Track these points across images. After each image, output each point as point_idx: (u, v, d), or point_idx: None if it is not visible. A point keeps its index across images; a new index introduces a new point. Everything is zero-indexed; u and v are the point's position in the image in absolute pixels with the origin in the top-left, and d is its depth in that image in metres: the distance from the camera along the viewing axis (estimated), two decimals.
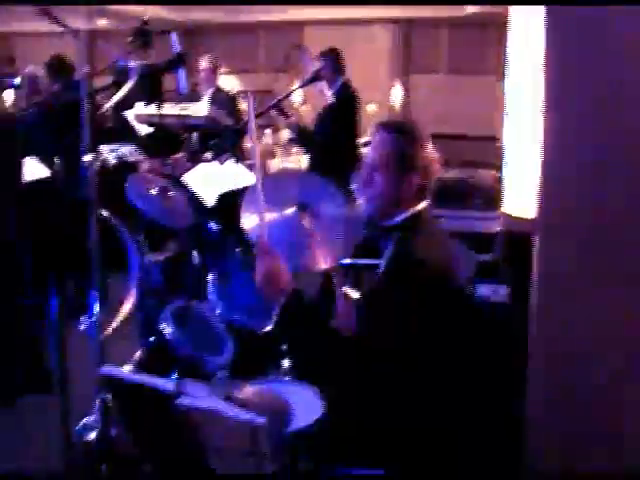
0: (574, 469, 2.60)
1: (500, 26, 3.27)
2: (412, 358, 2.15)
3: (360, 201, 3.91)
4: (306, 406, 2.33)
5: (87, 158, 2.22)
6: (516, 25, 3.23)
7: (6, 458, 3.64)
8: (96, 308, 2.23)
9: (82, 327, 2.24)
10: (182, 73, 2.74)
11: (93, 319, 2.22)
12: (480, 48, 13.79)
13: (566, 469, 2.63)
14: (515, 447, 2.82)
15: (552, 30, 2.54)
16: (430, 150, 2.25)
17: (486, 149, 9.56)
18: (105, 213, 2.46)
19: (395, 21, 14.43)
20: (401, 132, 2.23)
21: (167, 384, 1.71)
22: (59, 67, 5.97)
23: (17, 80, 6.41)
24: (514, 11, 3.23)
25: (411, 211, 2.25)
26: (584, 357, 2.57)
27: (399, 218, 2.27)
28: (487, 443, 2.93)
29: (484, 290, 4.13)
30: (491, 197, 4.21)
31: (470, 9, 12.62)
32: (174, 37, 2.79)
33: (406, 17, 14.18)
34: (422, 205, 2.27)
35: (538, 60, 2.66)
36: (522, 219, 2.81)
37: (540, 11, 2.65)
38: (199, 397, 1.70)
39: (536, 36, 2.76)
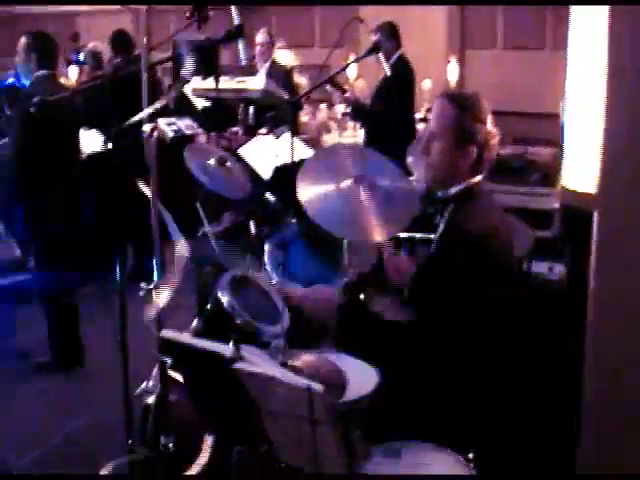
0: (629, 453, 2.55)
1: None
2: (465, 332, 2.15)
3: (416, 174, 3.91)
4: (361, 377, 2.35)
5: (146, 128, 2.25)
6: None
7: (69, 420, 3.80)
8: (156, 275, 2.28)
9: (142, 293, 2.29)
10: (242, 44, 2.77)
11: (153, 286, 2.28)
12: (537, 23, 13.49)
13: (620, 452, 2.58)
14: (570, 431, 2.79)
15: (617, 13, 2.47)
16: (490, 125, 2.24)
17: (543, 126, 9.39)
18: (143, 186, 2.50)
19: None
20: (462, 104, 2.23)
21: (225, 349, 1.74)
22: (121, 42, 6.08)
23: (81, 56, 6.54)
24: None
25: (465, 183, 2.25)
26: None
27: (454, 189, 2.27)
28: (538, 423, 2.91)
29: (540, 267, 4.09)
30: (548, 174, 4.15)
31: None
32: (234, 9, 2.80)
33: None
34: (477, 178, 2.26)
35: (601, 33, 2.59)
36: (582, 194, 2.75)
37: None
38: (257, 363, 1.73)
39: (600, 8, 2.68)
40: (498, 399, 2.30)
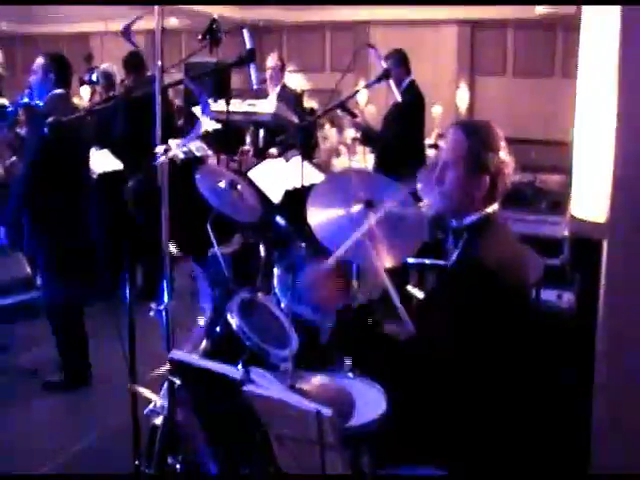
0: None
1: (568, 28, 3.23)
2: (474, 361, 2.14)
3: (425, 201, 3.93)
4: (369, 402, 2.35)
5: (159, 149, 2.28)
6: (589, 25, 3.16)
7: (77, 439, 3.80)
8: (166, 295, 2.28)
9: (151, 313, 2.30)
10: (253, 68, 2.80)
11: (162, 306, 2.28)
12: (547, 50, 13.57)
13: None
14: (580, 457, 2.77)
15: (628, 30, 2.49)
16: (504, 154, 2.24)
17: (552, 153, 9.41)
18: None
19: (461, 22, 14.31)
20: (476, 133, 2.24)
21: (235, 372, 1.75)
22: (133, 63, 6.15)
23: (94, 76, 6.62)
24: (587, 11, 3.16)
25: (481, 213, 2.25)
26: None
27: (469, 219, 2.27)
28: (549, 447, 2.90)
29: (549, 295, 4.08)
30: (557, 201, 4.16)
31: (539, 10, 12.43)
32: (246, 33, 2.84)
33: (472, 18, 14.05)
34: (492, 208, 2.27)
35: (612, 62, 2.61)
36: (591, 223, 2.75)
37: (615, 11, 2.60)
38: (265, 385, 1.74)
39: (610, 36, 2.69)
40: (508, 427, 2.29)
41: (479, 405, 2.19)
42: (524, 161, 9.20)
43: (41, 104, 4.32)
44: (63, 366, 4.48)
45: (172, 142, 5.78)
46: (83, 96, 8.10)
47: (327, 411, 1.57)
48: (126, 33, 3.97)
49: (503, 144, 2.26)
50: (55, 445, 3.78)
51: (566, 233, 3.58)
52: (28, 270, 5.76)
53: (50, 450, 3.71)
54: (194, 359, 1.91)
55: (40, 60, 4.27)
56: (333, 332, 2.64)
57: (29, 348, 4.97)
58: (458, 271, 2.26)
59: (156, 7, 2.38)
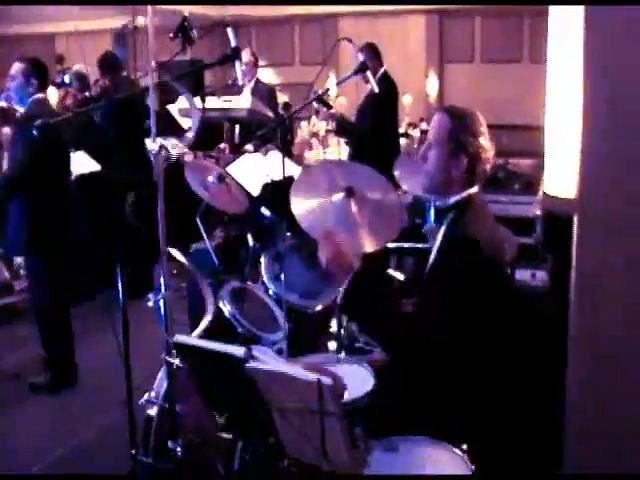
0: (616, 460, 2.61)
1: (535, 13, 3.34)
2: (467, 333, 2.27)
3: (403, 187, 4.04)
4: (358, 379, 2.47)
5: (153, 147, 2.36)
6: (556, 10, 3.27)
7: (71, 436, 3.87)
8: (162, 285, 2.37)
9: (150, 303, 2.39)
10: (239, 65, 2.88)
11: (160, 295, 2.37)
12: (514, 36, 13.76)
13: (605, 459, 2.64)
14: (556, 434, 2.89)
15: (591, 12, 2.57)
16: (484, 140, 2.37)
17: (522, 137, 9.58)
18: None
19: (429, 12, 14.46)
20: (459, 117, 2.39)
21: (238, 350, 1.86)
22: (108, 63, 6.21)
23: (66, 77, 6.64)
24: None
25: (464, 194, 2.39)
26: (624, 343, 2.56)
27: (453, 199, 2.40)
28: (527, 427, 3.02)
29: (523, 274, 4.23)
30: (530, 182, 4.31)
31: None
32: (230, 31, 2.92)
33: (439, 8, 14.21)
34: (473, 189, 2.40)
35: (578, 45, 2.70)
36: (562, 199, 2.88)
37: None
38: (267, 361, 1.85)
39: (576, 20, 2.79)
40: (488, 396, 2.42)
41: (465, 377, 2.32)
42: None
43: (21, 109, 4.35)
44: (50, 367, 4.50)
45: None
46: (51, 98, 8.09)
47: (327, 380, 1.68)
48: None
49: (484, 131, 2.40)
50: (47, 445, 3.82)
51: (538, 212, 3.72)
52: (6, 274, 5.81)
53: (43, 449, 3.76)
54: (198, 341, 2.01)
55: (20, 65, 4.28)
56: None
57: (10, 352, 4.96)
58: (447, 248, 2.39)
59: (149, 7, 2.44)
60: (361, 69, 3.76)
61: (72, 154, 5.26)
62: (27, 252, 4.51)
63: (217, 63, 2.88)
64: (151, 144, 2.37)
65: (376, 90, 4.29)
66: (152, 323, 2.57)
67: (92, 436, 3.86)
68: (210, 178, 3.23)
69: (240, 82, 2.96)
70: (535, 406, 3.19)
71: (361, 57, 4.04)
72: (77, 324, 4.64)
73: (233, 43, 2.81)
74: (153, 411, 2.82)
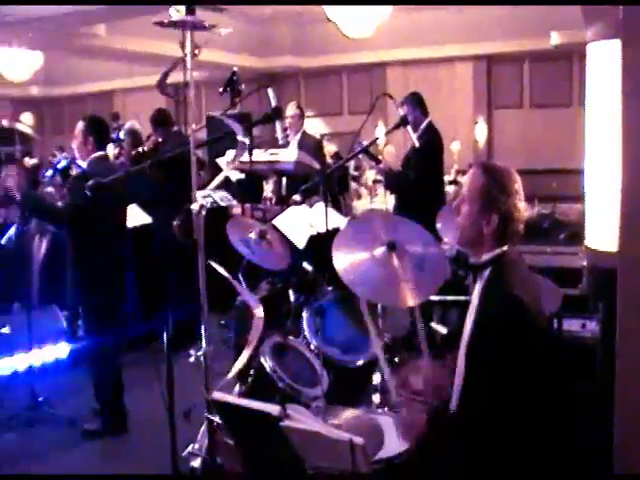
0: None
1: (584, 56, 3.33)
2: (505, 396, 2.24)
3: (445, 239, 4.05)
4: (397, 435, 2.46)
5: (194, 206, 2.43)
6: (594, 54, 3.26)
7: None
8: (204, 341, 2.42)
9: (191, 359, 2.44)
10: (279, 125, 2.96)
11: (201, 351, 2.42)
12: (564, 80, 13.71)
13: None
14: None
15: (629, 58, 2.57)
16: (517, 200, 2.37)
17: (572, 182, 9.49)
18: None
19: (477, 57, 14.53)
20: (493, 173, 2.39)
21: (273, 408, 1.88)
22: (160, 119, 6.42)
23: (121, 134, 6.87)
24: (591, 40, 3.26)
25: (496, 251, 2.38)
26: None
27: (485, 257, 2.40)
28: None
29: (573, 325, 4.16)
30: (576, 232, 4.26)
31: (554, 41, 12.59)
32: (271, 91, 3.01)
33: (488, 53, 14.26)
34: (505, 248, 2.40)
35: (616, 89, 2.69)
36: (604, 253, 2.85)
37: (617, 42, 2.69)
38: (301, 420, 1.86)
39: (614, 65, 2.78)
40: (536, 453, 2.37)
41: (512, 439, 2.26)
42: (545, 191, 9.29)
43: (83, 166, 4.53)
44: (101, 413, 4.62)
45: (198, 193, 5.99)
46: (109, 154, 8.38)
47: (359, 440, 1.69)
48: (160, 86, 4.15)
49: (519, 189, 2.39)
50: None
51: (584, 263, 3.68)
52: (64, 323, 5.99)
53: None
54: (234, 399, 2.05)
55: (79, 124, 4.50)
56: None
57: (67, 399, 5.10)
58: (488, 307, 2.36)
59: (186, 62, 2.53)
60: (400, 124, 3.81)
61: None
62: (83, 301, 4.65)
63: (259, 122, 2.97)
64: (193, 204, 2.44)
65: (416, 145, 4.33)
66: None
67: None
68: (251, 235, 3.29)
69: (280, 141, 3.02)
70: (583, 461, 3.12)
71: (402, 111, 4.10)
72: (128, 372, 4.75)
73: (273, 103, 2.90)
74: (197, 463, 2.86)
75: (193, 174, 2.49)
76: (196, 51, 2.36)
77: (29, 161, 15.57)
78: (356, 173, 11.35)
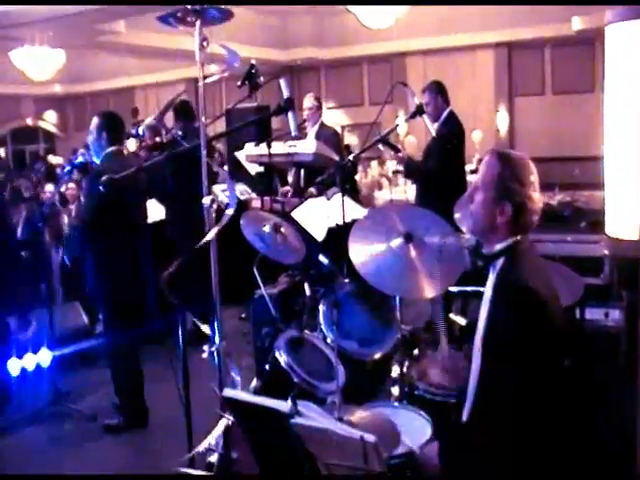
0: None
1: None
2: (521, 387, 2.19)
3: (464, 229, 3.99)
4: (414, 430, 2.42)
5: (205, 200, 2.41)
6: (613, 37, 3.18)
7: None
8: (217, 337, 2.41)
9: (204, 355, 2.42)
10: (292, 116, 2.91)
11: (214, 347, 2.40)
12: (586, 66, 13.50)
13: None
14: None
15: None
16: (532, 190, 2.31)
17: (595, 169, 9.34)
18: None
19: (498, 45, 14.37)
20: (508, 162, 2.33)
21: (284, 406, 1.85)
22: (184, 111, 6.43)
23: (140, 129, 6.89)
24: (610, 22, 3.18)
25: (509, 241, 2.33)
26: None
27: (497, 247, 2.35)
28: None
29: (595, 314, 4.09)
30: (597, 220, 4.17)
31: (576, 26, 12.41)
32: (283, 82, 2.97)
33: (509, 40, 14.10)
34: (520, 237, 2.34)
35: (637, 72, 2.63)
36: (625, 241, 2.78)
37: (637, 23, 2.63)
38: (313, 417, 1.84)
39: (635, 46, 2.71)
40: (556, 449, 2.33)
41: (532, 433, 2.21)
42: (567, 179, 9.15)
43: (98, 162, 4.54)
44: (122, 409, 4.64)
45: (216, 188, 5.99)
46: (130, 148, 8.41)
47: (370, 438, 1.66)
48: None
49: (534, 181, 2.33)
50: None
51: (606, 252, 3.61)
52: (85, 319, 6.03)
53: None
54: (245, 396, 2.02)
55: (94, 120, 4.53)
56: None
57: (89, 394, 5.16)
58: (501, 298, 2.32)
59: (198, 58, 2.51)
60: (417, 112, 3.75)
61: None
62: (102, 297, 4.66)
63: (271, 114, 2.94)
64: (205, 198, 2.43)
65: (433, 134, 4.27)
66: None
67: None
68: (265, 228, 3.26)
69: (293, 133, 2.97)
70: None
71: (417, 100, 4.03)
72: (148, 367, 4.76)
73: (286, 94, 2.85)
74: (214, 458, 2.85)
75: (203, 168, 2.47)
76: (204, 43, 2.34)
77: (53, 158, 15.76)
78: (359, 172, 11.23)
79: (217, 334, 2.40)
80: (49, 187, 8.20)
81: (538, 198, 2.33)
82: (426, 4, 12.38)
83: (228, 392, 2.08)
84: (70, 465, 4.17)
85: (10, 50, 12.28)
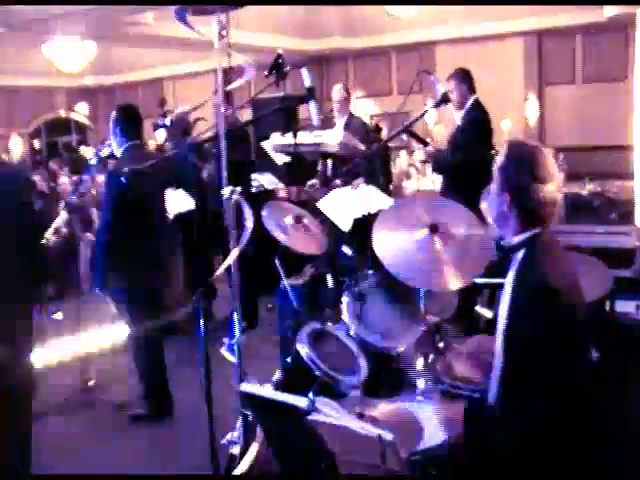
0: None
1: None
2: (543, 379, 2.15)
3: (489, 220, 3.93)
4: (437, 426, 2.38)
5: (225, 192, 2.39)
6: None
7: (159, 467, 3.95)
8: (237, 330, 2.38)
9: (223, 349, 2.40)
10: (313, 105, 2.88)
11: (234, 340, 2.38)
12: (619, 53, 13.21)
13: None
14: None
15: None
16: (541, 182, 2.25)
17: (626, 159, 9.17)
18: None
19: (527, 33, 14.14)
20: (513, 152, 2.30)
21: (301, 401, 1.82)
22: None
23: (167, 120, 6.90)
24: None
25: (528, 234, 2.29)
26: None
27: (518, 239, 2.31)
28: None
29: (626, 306, 4.01)
30: (628, 211, 4.09)
31: (608, 13, 12.16)
32: (304, 72, 2.94)
33: (538, 28, 13.87)
34: (538, 229, 2.29)
35: None
36: None
37: None
38: (330, 413, 1.81)
39: None
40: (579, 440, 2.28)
41: (551, 423, 2.17)
42: (597, 169, 8.97)
43: (118, 155, 4.53)
44: (146, 399, 4.66)
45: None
46: (158, 140, 8.43)
47: (388, 436, 1.62)
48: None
49: (545, 172, 2.26)
50: (143, 472, 3.93)
51: (637, 243, 3.52)
52: (114, 310, 6.06)
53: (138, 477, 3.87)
54: (261, 391, 2.00)
55: (113, 114, 4.52)
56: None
57: (117, 383, 5.19)
58: (519, 291, 2.27)
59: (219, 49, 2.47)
60: (442, 101, 3.69)
61: (171, 192, 5.47)
62: (124, 289, 4.66)
63: (292, 104, 2.91)
64: (224, 189, 2.40)
65: (458, 122, 4.19)
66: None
67: (175, 469, 3.90)
68: (287, 219, 3.22)
69: (315, 122, 2.94)
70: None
71: (442, 88, 3.96)
72: (173, 357, 4.75)
73: (307, 83, 2.82)
74: (236, 450, 2.83)
75: (223, 158, 2.45)
76: (223, 32, 2.31)
77: (85, 150, 15.88)
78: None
79: (236, 327, 2.37)
80: (64, 179, 8.24)
81: (548, 189, 2.26)
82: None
83: (246, 387, 2.06)
84: (96, 454, 4.19)
85: (42, 43, 12.37)
